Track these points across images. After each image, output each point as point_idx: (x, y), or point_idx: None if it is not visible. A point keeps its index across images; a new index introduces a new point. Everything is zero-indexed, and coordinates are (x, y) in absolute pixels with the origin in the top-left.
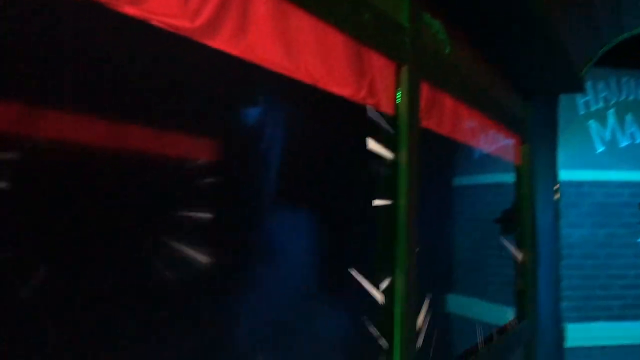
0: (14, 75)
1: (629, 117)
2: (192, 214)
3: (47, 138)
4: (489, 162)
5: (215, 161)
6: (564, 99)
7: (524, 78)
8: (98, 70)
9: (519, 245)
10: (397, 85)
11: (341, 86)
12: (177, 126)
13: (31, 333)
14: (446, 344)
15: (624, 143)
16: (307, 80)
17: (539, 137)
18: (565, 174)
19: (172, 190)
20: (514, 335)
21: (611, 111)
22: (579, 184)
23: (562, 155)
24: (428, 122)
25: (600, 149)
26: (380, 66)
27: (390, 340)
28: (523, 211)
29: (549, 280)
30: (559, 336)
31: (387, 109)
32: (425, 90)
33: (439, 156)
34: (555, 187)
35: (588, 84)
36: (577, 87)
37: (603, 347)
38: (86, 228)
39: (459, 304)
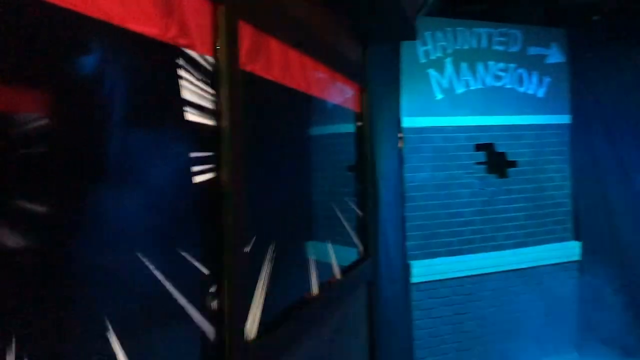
0: None
1: (464, 66)
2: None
3: None
4: (344, 111)
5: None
6: (406, 48)
7: (360, 24)
8: None
9: (361, 190)
10: (214, 26)
11: (143, 24)
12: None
13: None
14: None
15: (459, 90)
16: (99, 16)
17: (382, 85)
18: (408, 121)
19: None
20: (357, 274)
21: (448, 60)
22: (421, 130)
23: (405, 103)
24: (253, 67)
25: (440, 96)
26: (191, 3)
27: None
28: (364, 157)
29: (395, 222)
30: (406, 273)
31: (204, 50)
32: (247, 32)
33: (294, 106)
34: (399, 135)
35: (427, 34)
36: (411, 34)
37: (443, 280)
38: None
39: (317, 250)
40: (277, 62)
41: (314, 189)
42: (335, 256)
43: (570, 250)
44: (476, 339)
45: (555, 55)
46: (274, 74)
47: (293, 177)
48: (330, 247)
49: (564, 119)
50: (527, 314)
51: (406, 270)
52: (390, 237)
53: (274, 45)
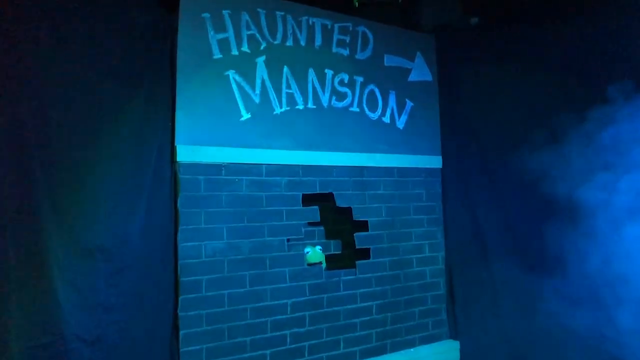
0: None
1: (286, 71)
2: None
3: None
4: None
5: None
6: (190, 32)
7: None
8: None
9: None
10: None
11: None
12: None
13: None
14: None
15: (279, 109)
16: None
17: (132, 86)
18: (188, 152)
19: None
20: None
21: (261, 59)
22: (214, 169)
23: (186, 122)
24: None
25: (247, 115)
26: None
27: None
28: None
29: (154, 331)
30: None
31: None
32: None
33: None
34: (172, 174)
35: (225, 13)
36: None
37: None
38: None
39: None
40: None
41: None
42: None
43: (445, 354)
44: None
45: (421, 71)
46: None
47: None
48: None
49: (435, 161)
50: None
51: None
52: None
53: None
